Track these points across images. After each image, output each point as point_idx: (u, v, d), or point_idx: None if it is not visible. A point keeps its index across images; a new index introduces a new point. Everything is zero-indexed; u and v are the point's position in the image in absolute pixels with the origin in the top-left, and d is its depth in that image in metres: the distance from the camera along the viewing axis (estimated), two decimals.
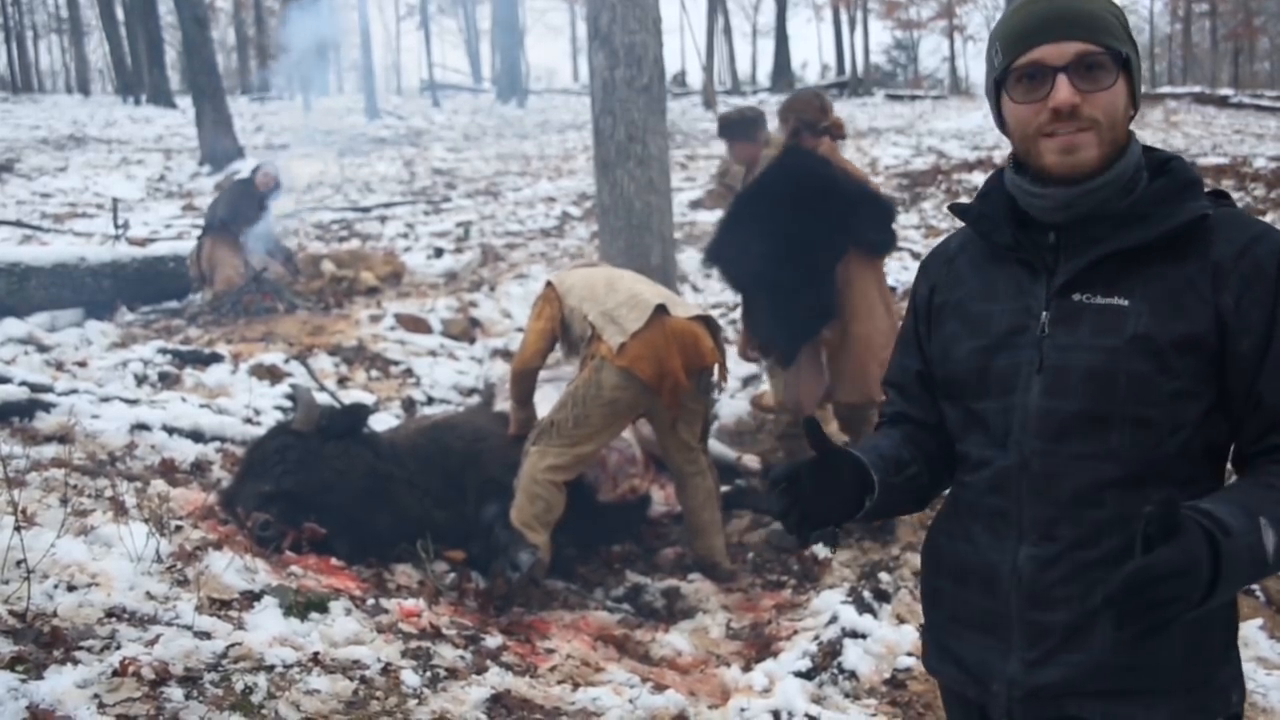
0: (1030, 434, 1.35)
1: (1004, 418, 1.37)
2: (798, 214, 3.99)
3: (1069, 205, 1.33)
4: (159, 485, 3.79)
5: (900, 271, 7.78)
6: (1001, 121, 1.40)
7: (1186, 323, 1.27)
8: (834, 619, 3.26)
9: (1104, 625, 1.31)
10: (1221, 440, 1.33)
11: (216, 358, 5.94)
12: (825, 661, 3.02)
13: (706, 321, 3.96)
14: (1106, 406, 1.30)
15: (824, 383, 4.33)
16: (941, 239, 1.60)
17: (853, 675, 2.98)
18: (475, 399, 5.82)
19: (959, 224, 1.51)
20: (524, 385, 4.09)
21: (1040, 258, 1.37)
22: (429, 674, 2.76)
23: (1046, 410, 1.33)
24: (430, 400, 5.90)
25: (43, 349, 6.03)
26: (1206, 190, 1.36)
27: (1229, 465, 1.37)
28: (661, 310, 3.80)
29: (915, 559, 3.69)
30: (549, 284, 4.09)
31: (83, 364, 5.76)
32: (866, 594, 3.43)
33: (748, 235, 4.06)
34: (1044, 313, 1.35)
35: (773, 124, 5.34)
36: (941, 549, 1.49)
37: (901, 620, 3.28)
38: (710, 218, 11.39)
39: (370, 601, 3.22)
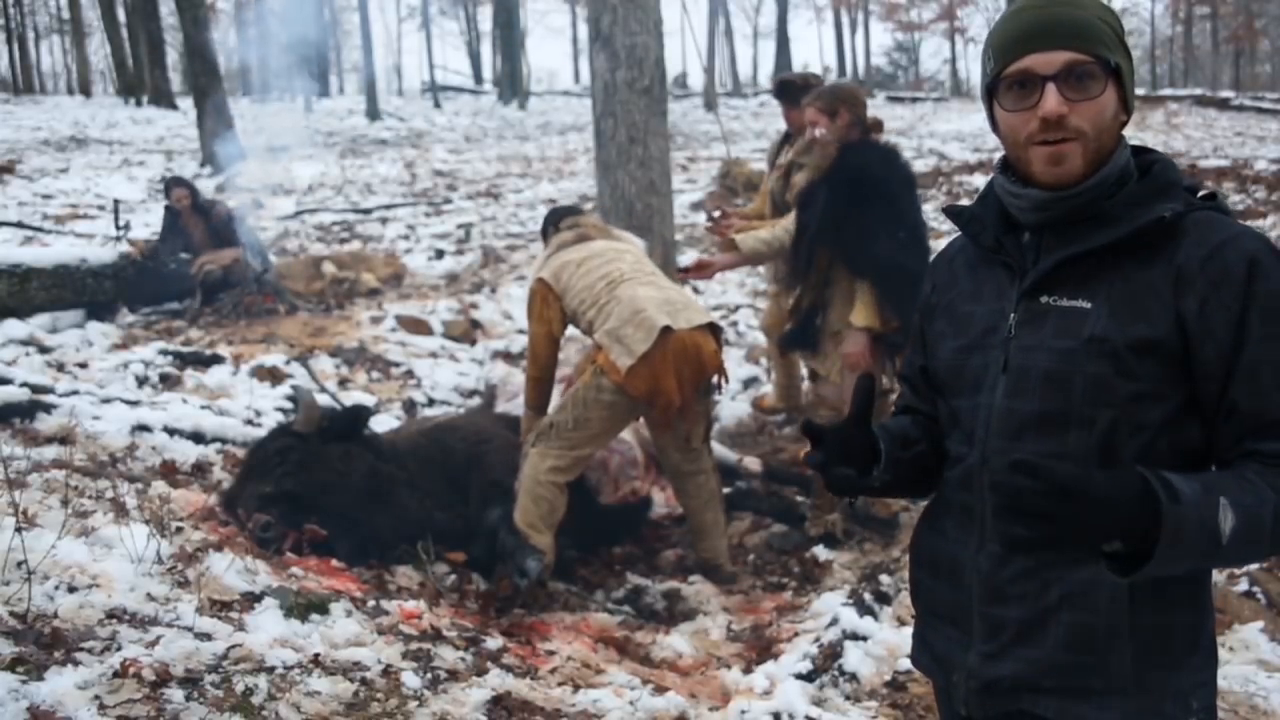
0: (992, 433, 1.37)
1: (972, 416, 1.40)
2: (911, 202, 4.13)
3: (1044, 207, 1.35)
4: (160, 486, 3.79)
5: None
6: (995, 126, 1.41)
7: (1145, 326, 1.27)
8: (835, 621, 3.25)
9: (1057, 623, 1.34)
10: (1195, 444, 1.31)
11: (217, 359, 5.94)
12: (826, 663, 3.02)
13: (710, 327, 3.89)
14: (1063, 407, 1.31)
15: None
16: (947, 239, 1.62)
17: (853, 677, 2.98)
18: (476, 400, 5.82)
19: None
20: (541, 391, 4.01)
21: (1019, 260, 1.39)
22: (429, 675, 2.76)
23: (1008, 410, 1.36)
24: (431, 402, 5.91)
25: (44, 350, 6.03)
26: (1201, 193, 1.36)
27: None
28: (666, 329, 3.69)
29: None
30: (541, 281, 3.94)
31: (84, 365, 5.76)
32: (867, 596, 3.43)
33: (872, 223, 3.99)
34: (1012, 314, 1.38)
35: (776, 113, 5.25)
36: (922, 542, 1.54)
37: (902, 622, 3.28)
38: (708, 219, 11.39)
39: (371, 603, 3.22)
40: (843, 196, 4.04)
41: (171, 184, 7.98)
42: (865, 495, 1.45)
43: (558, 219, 4.26)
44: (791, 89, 5.26)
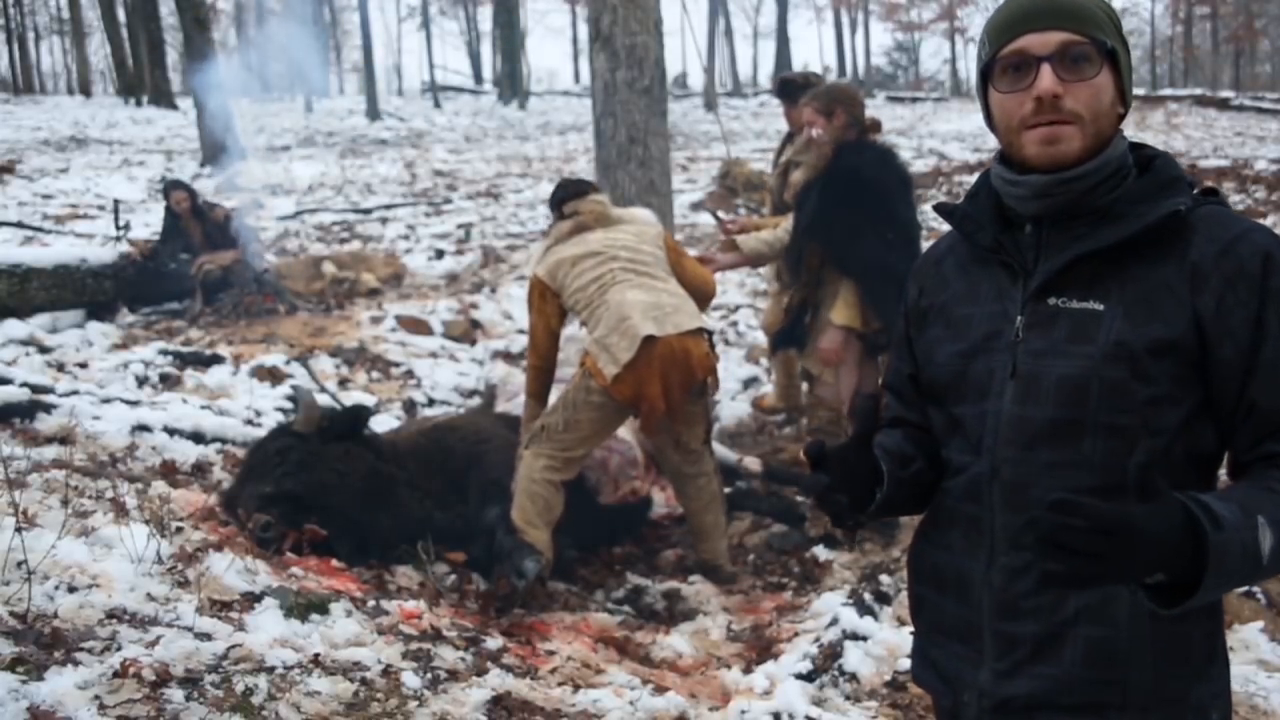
0: (1002, 441, 1.32)
1: (978, 424, 1.35)
2: (905, 203, 4.13)
3: (1044, 194, 1.31)
4: (160, 486, 3.79)
5: None
6: (989, 117, 1.38)
7: (1162, 326, 1.24)
8: (835, 621, 3.25)
9: (1074, 638, 1.30)
10: (1208, 448, 1.28)
11: (217, 359, 5.94)
12: (826, 664, 3.02)
13: (700, 331, 3.86)
14: (1078, 413, 1.27)
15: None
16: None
17: (853, 677, 2.98)
18: (476, 400, 5.82)
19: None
20: (542, 380, 4.03)
21: (1020, 260, 1.35)
22: (429, 675, 2.76)
23: (1018, 417, 1.31)
24: (431, 402, 5.91)
25: (44, 350, 6.03)
26: (1198, 190, 1.33)
27: (1224, 475, 1.34)
28: (650, 338, 3.68)
29: None
30: (538, 278, 3.96)
31: (84, 365, 5.76)
32: (867, 596, 3.42)
33: (861, 223, 4.00)
34: (1019, 317, 1.33)
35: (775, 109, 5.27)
36: (923, 556, 1.48)
37: (902, 623, 3.27)
38: (711, 219, 11.39)
39: (371, 603, 3.22)
40: (835, 195, 4.05)
41: (171, 187, 7.99)
42: (861, 521, 1.40)
43: (562, 200, 4.17)
44: (792, 88, 5.26)
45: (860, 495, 1.34)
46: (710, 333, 3.97)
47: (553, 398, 4.04)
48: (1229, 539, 1.09)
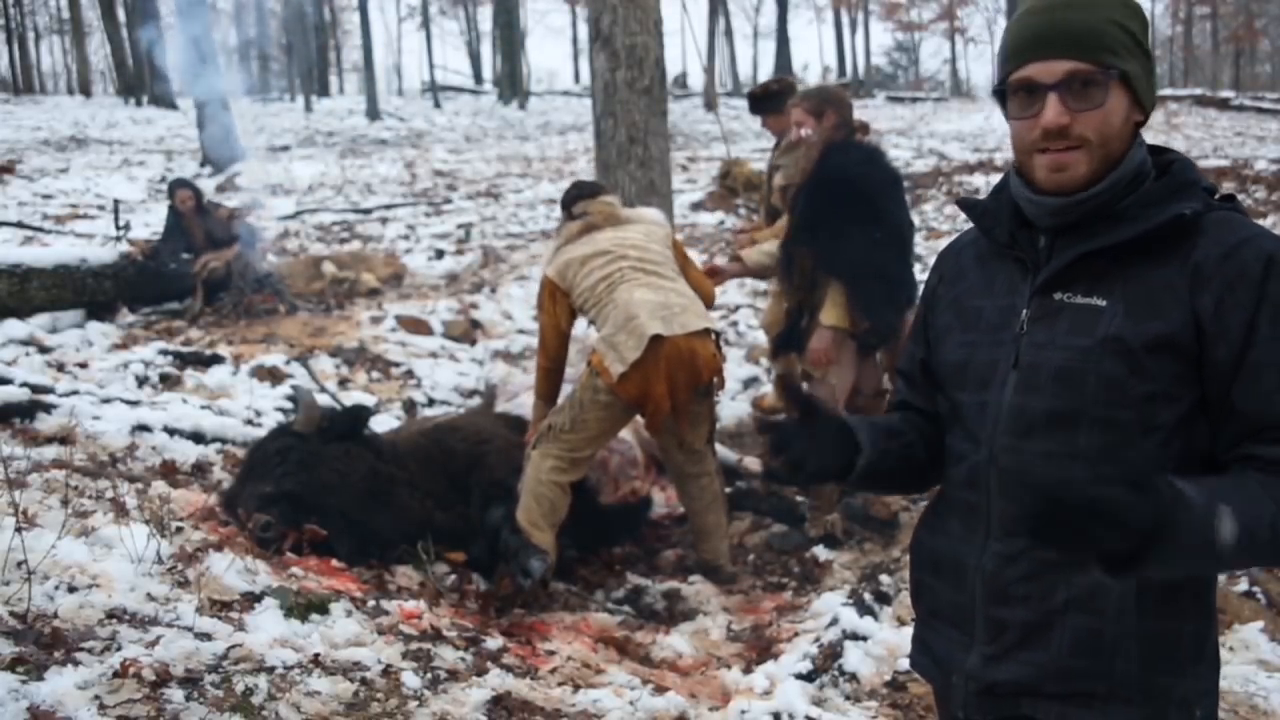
0: (1001, 430, 1.35)
1: (979, 412, 1.39)
2: (894, 202, 4.15)
3: (1059, 213, 1.34)
4: (160, 486, 3.79)
5: None
6: None
7: (1161, 324, 1.26)
8: (835, 621, 3.25)
9: (1063, 626, 1.32)
10: (1208, 447, 1.30)
11: (218, 359, 5.94)
12: (826, 663, 3.02)
13: (708, 331, 3.87)
14: (1075, 406, 1.29)
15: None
16: (947, 239, 1.61)
17: (853, 677, 2.98)
18: (476, 400, 5.82)
19: (968, 222, 1.52)
20: (550, 381, 4.03)
21: (1033, 256, 1.38)
22: (429, 675, 2.76)
23: (1017, 407, 1.34)
24: (431, 402, 5.91)
25: (44, 350, 6.03)
26: (1218, 195, 1.34)
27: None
28: (657, 337, 3.70)
29: None
30: (548, 278, 3.97)
31: (84, 365, 5.76)
32: (867, 596, 3.43)
33: (846, 223, 4.00)
34: (1025, 310, 1.36)
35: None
36: (923, 542, 1.52)
37: (902, 622, 3.28)
38: (711, 219, 11.40)
39: (371, 603, 3.22)
40: (821, 197, 4.06)
41: (176, 186, 7.99)
42: (840, 482, 1.44)
43: (572, 201, 4.18)
44: (757, 100, 5.27)
45: (831, 463, 1.41)
46: (718, 333, 3.97)
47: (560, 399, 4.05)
48: (1191, 518, 1.12)
